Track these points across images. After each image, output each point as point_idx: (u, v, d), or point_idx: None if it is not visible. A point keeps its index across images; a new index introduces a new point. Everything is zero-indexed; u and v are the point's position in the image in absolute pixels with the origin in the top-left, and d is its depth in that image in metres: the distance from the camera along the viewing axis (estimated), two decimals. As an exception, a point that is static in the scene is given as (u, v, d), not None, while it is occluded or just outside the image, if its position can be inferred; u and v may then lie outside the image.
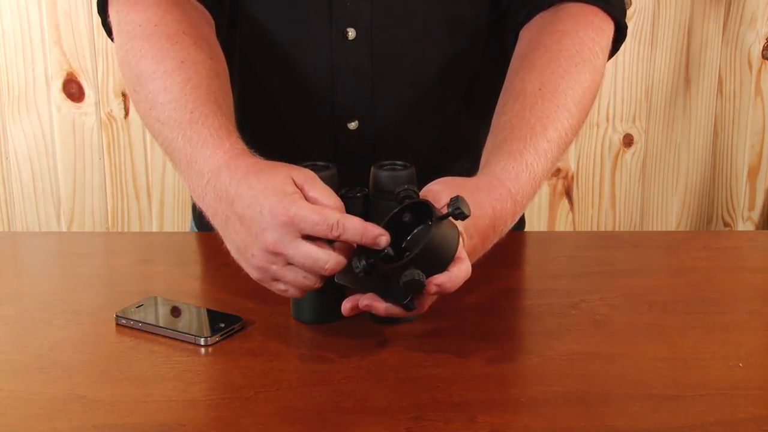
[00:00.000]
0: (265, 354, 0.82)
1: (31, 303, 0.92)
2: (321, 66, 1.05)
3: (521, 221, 1.26)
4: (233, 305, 0.90)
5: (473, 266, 0.82)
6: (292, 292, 0.81)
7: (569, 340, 0.85)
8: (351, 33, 1.04)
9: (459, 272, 0.78)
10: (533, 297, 0.95)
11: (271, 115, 1.10)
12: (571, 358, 0.82)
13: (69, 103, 2.00)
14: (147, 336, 0.85)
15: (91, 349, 0.84)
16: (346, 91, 1.05)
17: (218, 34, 1.02)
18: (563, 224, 2.18)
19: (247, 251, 0.80)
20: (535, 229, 2.14)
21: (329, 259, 0.78)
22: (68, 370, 0.80)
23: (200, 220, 1.17)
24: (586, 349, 0.83)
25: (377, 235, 0.78)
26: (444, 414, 0.73)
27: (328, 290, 0.85)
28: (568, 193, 2.16)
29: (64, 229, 2.06)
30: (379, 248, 0.78)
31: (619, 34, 1.03)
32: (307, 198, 0.79)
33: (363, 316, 0.88)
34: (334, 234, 0.77)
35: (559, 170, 2.13)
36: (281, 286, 0.81)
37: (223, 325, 0.85)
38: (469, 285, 0.94)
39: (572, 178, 2.15)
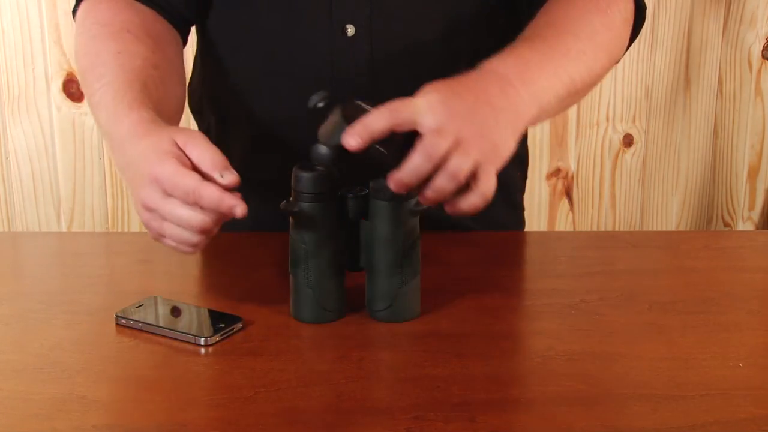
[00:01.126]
0: (265, 354, 0.82)
1: (31, 303, 0.92)
2: (320, 63, 1.05)
3: (521, 221, 1.25)
4: (233, 305, 0.90)
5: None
6: (182, 248, 0.84)
7: (569, 340, 0.85)
8: (350, 30, 1.04)
9: (393, 105, 0.81)
10: (533, 297, 0.95)
11: (269, 113, 1.10)
12: (571, 358, 0.82)
13: (69, 103, 2.00)
14: (147, 336, 0.85)
15: (91, 349, 0.84)
16: (345, 87, 1.05)
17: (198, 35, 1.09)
18: (563, 224, 2.18)
19: (136, 209, 0.85)
20: (535, 229, 2.14)
21: (194, 217, 0.80)
22: (68, 370, 0.79)
23: None
24: (586, 349, 0.83)
25: (233, 205, 0.79)
26: (444, 414, 0.73)
27: (328, 290, 0.86)
28: (568, 193, 2.16)
29: (64, 229, 2.06)
30: (235, 217, 0.80)
31: (639, 17, 1.05)
32: (189, 157, 0.82)
33: (363, 315, 0.88)
34: (190, 201, 0.80)
35: (559, 170, 2.14)
36: (170, 243, 0.84)
37: (223, 325, 0.85)
38: (469, 285, 0.94)
39: (572, 178, 2.15)
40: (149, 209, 0.82)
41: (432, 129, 0.80)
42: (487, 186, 0.82)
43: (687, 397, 0.75)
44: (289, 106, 1.09)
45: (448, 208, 0.83)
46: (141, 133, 0.86)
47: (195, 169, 0.81)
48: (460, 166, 0.80)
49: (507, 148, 0.86)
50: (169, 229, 0.82)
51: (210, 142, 0.83)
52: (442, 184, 0.80)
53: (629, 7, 1.04)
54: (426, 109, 0.82)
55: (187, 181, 0.79)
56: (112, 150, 0.92)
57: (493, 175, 0.83)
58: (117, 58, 0.97)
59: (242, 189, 0.87)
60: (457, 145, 0.81)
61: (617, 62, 1.06)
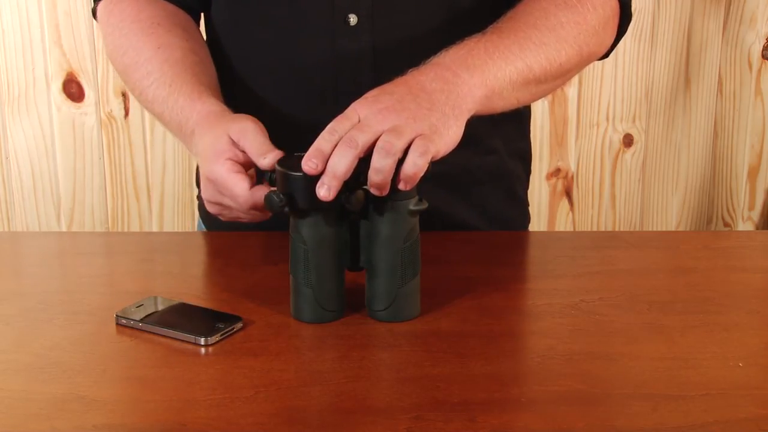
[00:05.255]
0: (265, 354, 0.82)
1: (31, 303, 0.92)
2: (323, 52, 1.05)
3: (525, 215, 1.25)
4: (233, 305, 0.90)
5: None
6: (252, 221, 0.92)
7: (569, 340, 0.85)
8: (352, 19, 1.04)
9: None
10: (533, 297, 0.95)
11: (272, 103, 1.10)
12: (571, 358, 0.82)
13: (69, 103, 2.00)
14: (147, 336, 0.85)
15: (91, 349, 0.84)
16: (348, 77, 1.06)
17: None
18: (563, 224, 2.18)
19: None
20: (535, 229, 2.14)
21: (248, 214, 0.89)
22: (68, 370, 0.79)
23: (207, 217, 1.17)
24: (586, 349, 0.83)
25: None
26: (444, 414, 0.73)
27: (328, 290, 0.86)
28: (568, 193, 2.16)
29: (64, 229, 2.06)
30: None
31: (624, 15, 1.07)
32: (243, 148, 0.89)
33: (363, 315, 0.88)
34: (241, 207, 0.89)
35: (559, 170, 2.14)
36: (243, 220, 0.92)
37: (223, 325, 0.85)
38: (469, 285, 0.94)
39: (572, 178, 2.15)
40: (213, 203, 0.92)
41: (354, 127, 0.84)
42: (425, 145, 0.83)
43: (687, 397, 0.75)
44: (293, 97, 1.09)
45: (400, 184, 0.83)
46: (207, 126, 0.94)
47: (248, 159, 0.89)
48: (390, 141, 0.82)
49: (447, 127, 0.87)
50: (235, 213, 0.91)
51: (258, 131, 0.90)
52: (377, 163, 0.81)
53: (612, 5, 1.05)
54: (353, 115, 0.86)
55: (236, 190, 0.88)
56: (183, 141, 0.99)
57: (430, 143, 0.84)
58: (158, 53, 1.03)
59: None
60: (388, 129, 0.83)
61: (597, 58, 1.06)
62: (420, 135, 0.84)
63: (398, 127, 0.83)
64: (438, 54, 0.94)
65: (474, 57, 0.92)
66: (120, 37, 1.07)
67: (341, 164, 0.81)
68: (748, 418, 0.73)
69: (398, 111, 0.85)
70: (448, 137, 0.86)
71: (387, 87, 0.89)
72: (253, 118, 0.93)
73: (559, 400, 0.75)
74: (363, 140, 0.82)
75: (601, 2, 1.03)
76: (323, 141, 0.83)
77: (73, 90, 1.99)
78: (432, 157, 0.83)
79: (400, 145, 0.82)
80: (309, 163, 0.82)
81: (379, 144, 0.82)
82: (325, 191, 0.81)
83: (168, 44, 1.04)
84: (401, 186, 0.82)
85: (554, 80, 1.01)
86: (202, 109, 0.96)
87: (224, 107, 0.97)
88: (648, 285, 0.97)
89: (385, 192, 0.82)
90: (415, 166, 0.82)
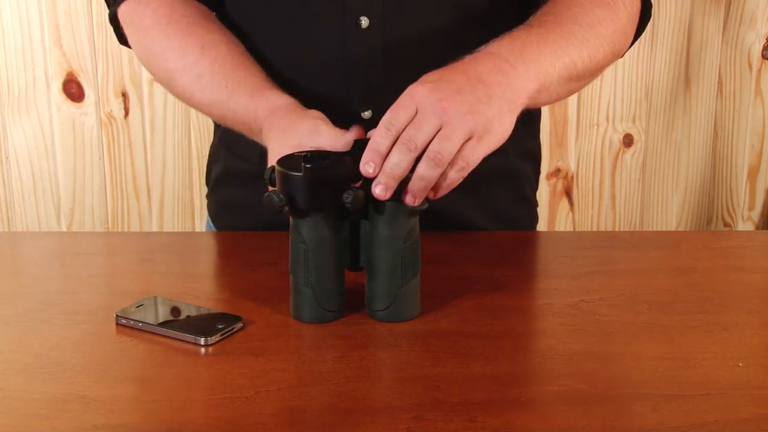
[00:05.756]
0: (265, 354, 0.82)
1: (31, 303, 0.92)
2: (334, 54, 1.05)
3: (534, 216, 1.25)
4: (233, 305, 0.90)
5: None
6: None
7: (569, 340, 0.85)
8: (364, 21, 1.04)
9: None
10: (533, 297, 0.95)
11: None
12: (571, 358, 0.82)
13: (69, 103, 2.00)
14: (147, 336, 0.85)
15: (91, 349, 0.84)
16: (359, 80, 1.06)
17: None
18: (563, 224, 2.18)
19: None
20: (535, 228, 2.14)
21: None
22: (68, 370, 0.80)
23: (217, 218, 1.17)
24: (586, 349, 0.83)
25: None
26: (444, 414, 0.73)
27: (328, 290, 0.86)
28: (568, 193, 2.16)
29: (64, 229, 2.06)
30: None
31: (644, 14, 1.07)
32: (321, 147, 0.88)
33: (363, 315, 0.88)
34: None
35: (559, 170, 2.14)
36: None
37: (223, 325, 0.85)
38: (469, 285, 0.94)
39: (572, 178, 2.15)
40: None
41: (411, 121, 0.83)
42: (467, 159, 0.83)
43: (687, 397, 0.75)
44: (303, 98, 1.09)
45: (429, 194, 0.83)
46: (273, 123, 0.93)
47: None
48: (442, 152, 0.81)
49: (501, 123, 0.86)
50: None
51: (329, 122, 0.89)
52: (424, 171, 0.81)
53: (636, 4, 1.05)
54: (410, 104, 0.84)
55: None
56: (256, 139, 0.98)
57: (480, 149, 0.83)
58: (205, 53, 1.01)
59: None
60: (438, 130, 0.82)
61: (620, 56, 1.06)
62: (471, 137, 0.83)
63: (451, 128, 0.82)
64: (493, 42, 0.92)
65: (529, 50, 0.91)
66: (156, 41, 1.05)
67: (400, 166, 0.81)
68: (748, 418, 0.73)
69: (457, 103, 0.84)
70: (499, 134, 0.86)
71: (446, 74, 0.87)
72: (320, 113, 0.92)
73: (559, 400, 0.75)
74: (422, 141, 0.82)
75: (630, 1, 1.03)
76: (381, 138, 0.82)
77: (73, 90, 1.99)
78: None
79: (449, 154, 0.81)
80: (367, 167, 0.81)
81: (429, 152, 0.81)
82: (381, 191, 0.81)
83: (211, 43, 1.02)
84: (431, 195, 0.83)
85: (589, 77, 1.00)
86: (266, 105, 0.96)
87: (289, 99, 0.96)
88: (648, 285, 0.97)
89: (420, 201, 0.82)
90: (450, 179, 0.82)
